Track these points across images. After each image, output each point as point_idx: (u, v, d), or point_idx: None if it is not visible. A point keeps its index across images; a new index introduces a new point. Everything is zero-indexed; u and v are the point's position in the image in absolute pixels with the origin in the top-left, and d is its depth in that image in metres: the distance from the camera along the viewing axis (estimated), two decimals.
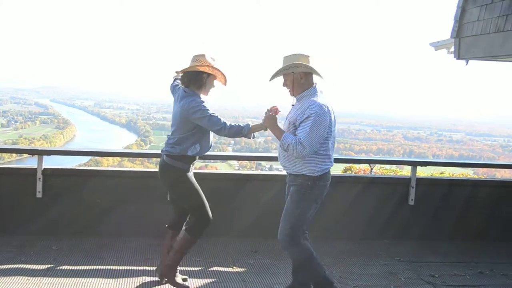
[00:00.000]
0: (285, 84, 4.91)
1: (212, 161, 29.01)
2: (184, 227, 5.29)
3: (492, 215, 7.86)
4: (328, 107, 4.72)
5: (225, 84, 5.29)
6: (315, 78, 4.89)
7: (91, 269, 5.74)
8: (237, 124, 5.07)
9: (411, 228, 7.59)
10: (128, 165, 31.96)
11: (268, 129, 4.98)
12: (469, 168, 13.10)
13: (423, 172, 10.49)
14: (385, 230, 7.50)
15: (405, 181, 7.69)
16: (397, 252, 6.97)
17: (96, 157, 32.63)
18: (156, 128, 75.11)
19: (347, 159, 10.09)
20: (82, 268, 5.76)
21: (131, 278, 5.52)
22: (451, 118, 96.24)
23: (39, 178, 6.67)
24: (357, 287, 5.73)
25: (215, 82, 5.22)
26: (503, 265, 6.75)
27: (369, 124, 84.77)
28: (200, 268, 5.97)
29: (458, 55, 8.32)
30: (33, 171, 6.70)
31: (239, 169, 34.99)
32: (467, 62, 8.49)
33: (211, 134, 5.25)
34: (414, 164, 7.80)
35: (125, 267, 5.84)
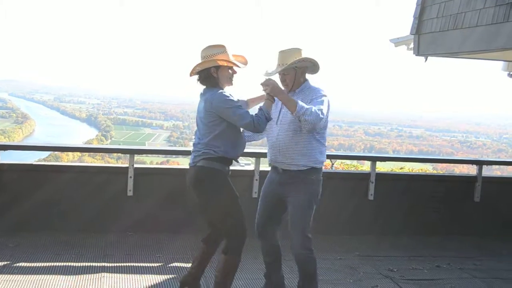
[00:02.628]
0: (283, 79, 4.64)
1: (174, 156, 28.94)
2: (222, 251, 4.58)
3: (450, 210, 7.99)
4: None
5: (245, 64, 4.68)
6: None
7: (49, 266, 5.66)
8: (258, 113, 4.42)
9: (370, 223, 7.66)
10: (89, 161, 31.58)
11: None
12: (428, 164, 13.28)
13: (383, 167, 10.60)
14: (345, 225, 7.56)
15: (365, 176, 7.77)
16: (356, 247, 7.04)
17: (56, 152, 32.14)
18: (117, 123, 74.58)
19: None
20: (40, 265, 5.66)
21: (90, 275, 5.45)
22: (411, 114, 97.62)
23: None
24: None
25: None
26: (460, 259, 6.88)
27: (330, 120, 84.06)
28: (160, 264, 5.93)
29: (418, 52, 8.40)
30: None
31: None
32: (426, 59, 8.58)
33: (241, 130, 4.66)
34: (373, 160, 7.89)
35: (84, 264, 5.77)
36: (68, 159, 33.86)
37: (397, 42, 10.01)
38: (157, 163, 24.63)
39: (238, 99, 4.67)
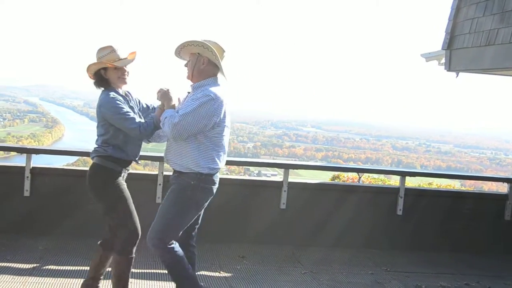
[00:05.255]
0: (186, 64, 4.48)
1: None
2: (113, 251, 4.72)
3: (480, 227, 7.89)
4: (224, 100, 4.31)
5: (133, 59, 4.62)
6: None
7: (77, 269, 5.71)
8: (148, 119, 4.57)
9: (398, 238, 7.61)
10: None
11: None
12: (456, 180, 13.14)
13: (410, 182, 10.52)
14: (373, 239, 7.51)
15: (393, 191, 7.71)
16: (384, 262, 6.99)
17: (84, 157, 32.46)
18: None
19: (335, 167, 10.15)
20: (69, 269, 5.72)
21: None
22: (440, 129, 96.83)
23: (27, 177, 6.63)
24: None
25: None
26: (489, 278, 6.78)
27: (358, 133, 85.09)
28: None
29: (449, 67, 8.35)
30: (21, 170, 6.65)
31: (227, 174, 34.97)
32: (457, 74, 8.53)
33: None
34: (403, 175, 7.82)
35: None
36: None
37: (428, 57, 9.96)
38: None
39: (151, 104, 4.88)
